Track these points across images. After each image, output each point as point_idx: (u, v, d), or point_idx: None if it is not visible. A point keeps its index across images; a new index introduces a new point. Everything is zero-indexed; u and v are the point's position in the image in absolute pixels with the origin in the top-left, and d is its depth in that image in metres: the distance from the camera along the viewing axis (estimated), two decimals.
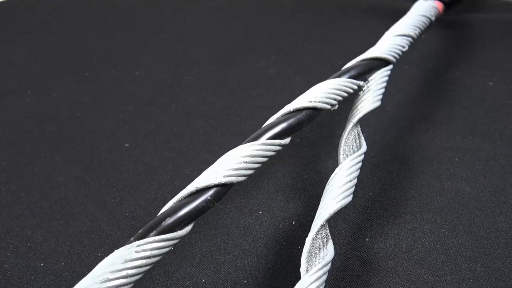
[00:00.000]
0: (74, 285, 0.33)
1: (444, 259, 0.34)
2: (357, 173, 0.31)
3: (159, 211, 0.38)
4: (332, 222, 0.37)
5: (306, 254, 0.27)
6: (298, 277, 0.33)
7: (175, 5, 0.71)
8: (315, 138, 0.45)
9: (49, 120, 0.49)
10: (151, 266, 0.25)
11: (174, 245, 0.26)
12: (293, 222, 0.37)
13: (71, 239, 0.36)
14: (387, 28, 0.45)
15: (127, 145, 0.45)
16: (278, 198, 0.39)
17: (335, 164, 0.42)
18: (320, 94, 0.33)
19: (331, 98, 0.33)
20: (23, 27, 0.67)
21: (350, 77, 0.35)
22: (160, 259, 0.25)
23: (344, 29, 0.63)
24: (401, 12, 0.64)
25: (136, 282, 0.24)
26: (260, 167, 0.29)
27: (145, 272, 0.25)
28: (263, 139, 0.30)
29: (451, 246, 0.35)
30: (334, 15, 0.67)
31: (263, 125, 0.48)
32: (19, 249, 0.36)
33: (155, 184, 0.41)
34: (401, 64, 0.53)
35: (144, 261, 0.24)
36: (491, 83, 0.52)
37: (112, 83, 0.55)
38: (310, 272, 0.26)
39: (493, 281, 0.32)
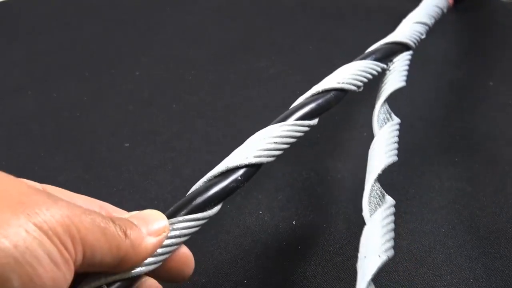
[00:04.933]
0: None
1: (445, 259, 0.34)
2: (397, 138, 0.31)
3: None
4: (332, 222, 0.37)
5: (367, 200, 0.27)
6: (298, 276, 0.33)
7: (175, 5, 0.71)
8: (315, 138, 0.45)
9: (49, 120, 0.49)
10: (180, 245, 0.25)
11: (203, 225, 0.25)
12: (293, 222, 0.37)
13: None
14: (387, 28, 0.45)
15: (127, 145, 0.45)
16: (278, 198, 0.39)
17: (335, 164, 0.42)
18: (348, 75, 0.33)
19: (358, 80, 0.33)
20: (23, 27, 0.67)
21: (375, 60, 0.35)
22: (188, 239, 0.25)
23: (344, 29, 0.63)
24: (400, 12, 0.64)
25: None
26: (288, 147, 0.29)
27: (173, 252, 0.24)
28: (292, 119, 0.30)
29: (451, 246, 0.35)
30: (334, 15, 0.67)
31: (263, 125, 0.47)
32: None
33: (155, 184, 0.41)
34: None
35: (173, 240, 0.24)
36: (491, 83, 0.52)
37: (112, 83, 0.55)
38: (381, 209, 0.26)
39: (493, 281, 0.32)
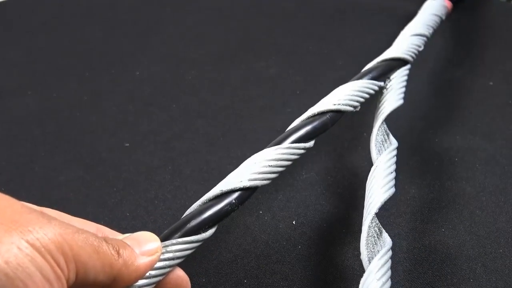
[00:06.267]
0: None
1: (444, 258, 0.34)
2: (394, 166, 0.32)
3: (159, 211, 0.38)
4: (332, 222, 0.37)
5: (365, 242, 0.27)
6: (298, 276, 0.33)
7: (175, 5, 0.71)
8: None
9: (49, 120, 0.49)
10: (173, 268, 0.25)
11: (197, 248, 0.26)
12: (293, 222, 0.37)
13: None
14: (386, 28, 0.45)
15: (127, 145, 0.45)
16: (278, 197, 0.39)
17: (335, 164, 0.42)
18: (344, 96, 0.33)
19: (354, 100, 0.33)
20: (23, 27, 0.67)
21: (371, 78, 0.35)
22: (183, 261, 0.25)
23: (344, 29, 0.63)
24: (400, 12, 0.64)
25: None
26: (284, 170, 0.29)
27: (166, 274, 0.25)
28: (287, 142, 0.30)
29: (451, 245, 0.35)
30: (334, 15, 0.67)
31: (263, 125, 0.48)
32: None
33: (155, 184, 0.41)
34: None
35: (167, 263, 0.24)
36: (491, 83, 0.52)
37: (112, 83, 0.55)
38: (376, 258, 0.26)
39: (493, 280, 0.32)
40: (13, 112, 0.51)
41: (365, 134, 0.45)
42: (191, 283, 0.33)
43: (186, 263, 0.34)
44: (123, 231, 0.37)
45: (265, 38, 0.63)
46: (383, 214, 0.37)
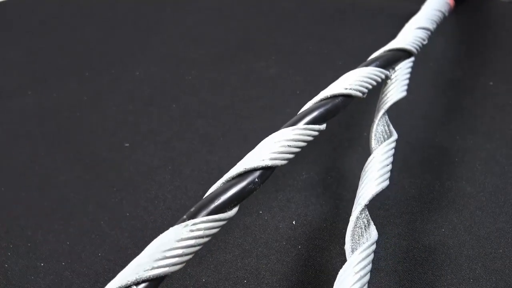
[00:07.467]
0: (74, 285, 0.33)
1: (445, 259, 0.34)
2: (391, 158, 0.32)
3: (159, 211, 0.38)
4: (332, 222, 0.37)
5: (350, 233, 0.27)
6: (298, 277, 0.33)
7: (175, 5, 0.71)
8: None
9: (49, 120, 0.49)
10: (201, 247, 0.25)
11: (222, 227, 0.25)
12: (293, 222, 0.37)
13: (71, 239, 0.36)
14: (386, 28, 0.45)
15: (127, 145, 0.45)
16: (278, 197, 0.39)
17: (335, 164, 0.42)
18: (354, 81, 0.33)
19: (364, 87, 0.34)
20: (23, 27, 0.67)
21: (378, 66, 0.35)
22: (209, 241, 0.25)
23: (344, 29, 0.63)
24: (400, 12, 0.64)
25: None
26: (299, 152, 0.29)
27: (195, 253, 0.24)
28: (303, 123, 0.30)
29: (451, 246, 0.35)
30: (334, 15, 0.67)
31: (263, 125, 0.48)
32: (19, 249, 0.36)
33: (155, 184, 0.41)
34: None
35: (197, 241, 0.24)
36: (491, 83, 0.52)
37: (112, 83, 0.55)
38: (358, 251, 0.26)
39: (493, 281, 0.32)
40: (13, 112, 0.51)
41: (365, 134, 0.45)
42: (191, 283, 0.33)
43: (186, 263, 0.34)
44: (122, 231, 0.37)
45: (265, 38, 0.63)
46: (382, 214, 0.37)
